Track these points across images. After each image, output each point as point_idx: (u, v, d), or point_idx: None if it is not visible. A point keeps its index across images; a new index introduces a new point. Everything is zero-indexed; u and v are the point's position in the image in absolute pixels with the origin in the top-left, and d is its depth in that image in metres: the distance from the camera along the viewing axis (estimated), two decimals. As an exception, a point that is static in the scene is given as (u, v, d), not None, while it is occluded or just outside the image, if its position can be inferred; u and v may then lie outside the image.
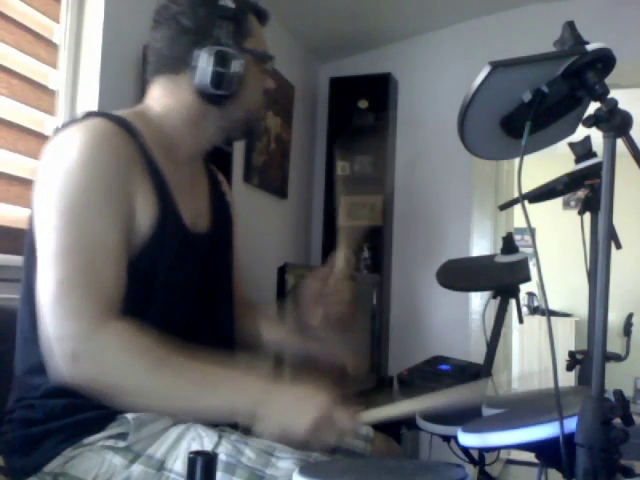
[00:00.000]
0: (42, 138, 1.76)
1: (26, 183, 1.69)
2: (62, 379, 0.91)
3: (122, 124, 1.05)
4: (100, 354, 0.91)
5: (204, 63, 1.07)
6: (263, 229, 3.03)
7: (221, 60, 1.08)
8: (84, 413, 0.97)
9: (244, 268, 1.39)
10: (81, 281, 0.93)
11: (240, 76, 1.10)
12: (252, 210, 2.89)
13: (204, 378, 0.94)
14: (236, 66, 1.09)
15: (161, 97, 1.14)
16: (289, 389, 0.95)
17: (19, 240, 1.59)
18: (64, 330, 0.90)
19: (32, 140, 1.74)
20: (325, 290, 1.22)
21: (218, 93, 1.09)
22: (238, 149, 2.75)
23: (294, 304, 1.25)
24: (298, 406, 0.91)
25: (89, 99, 1.90)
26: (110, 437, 0.96)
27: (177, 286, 1.07)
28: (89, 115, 1.06)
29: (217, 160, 1.35)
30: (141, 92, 1.18)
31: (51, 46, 1.84)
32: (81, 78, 1.92)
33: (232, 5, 1.11)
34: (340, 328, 1.23)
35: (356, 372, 1.27)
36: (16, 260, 1.56)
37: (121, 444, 0.94)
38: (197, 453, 0.71)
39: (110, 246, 0.96)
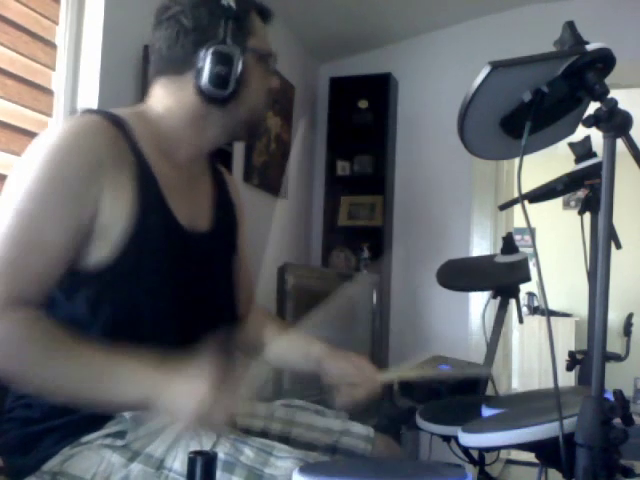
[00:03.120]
0: (38, 138, 1.77)
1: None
2: None
3: (115, 120, 1.05)
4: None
5: (205, 63, 1.06)
6: (263, 229, 3.02)
7: (222, 60, 1.07)
8: (82, 412, 0.96)
9: (250, 271, 1.37)
10: (3, 270, 0.93)
11: (242, 76, 1.09)
12: (252, 210, 2.89)
13: (95, 365, 0.93)
14: (237, 66, 1.08)
15: (163, 98, 1.13)
16: (176, 377, 0.93)
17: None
18: None
19: (27, 140, 1.74)
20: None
21: (220, 93, 1.08)
22: (238, 149, 2.75)
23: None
24: (180, 394, 0.90)
25: (89, 100, 1.90)
26: (108, 435, 0.96)
27: (170, 283, 1.06)
28: (85, 112, 1.07)
29: (217, 160, 1.34)
30: (141, 92, 1.18)
31: (50, 47, 1.84)
32: (81, 79, 1.92)
33: (233, 4, 1.10)
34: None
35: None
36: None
37: (119, 442, 0.95)
38: (197, 453, 0.71)
39: (49, 242, 0.96)
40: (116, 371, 0.93)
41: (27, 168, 0.98)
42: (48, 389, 0.93)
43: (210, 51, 1.06)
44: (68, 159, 0.98)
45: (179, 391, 0.90)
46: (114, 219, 1.00)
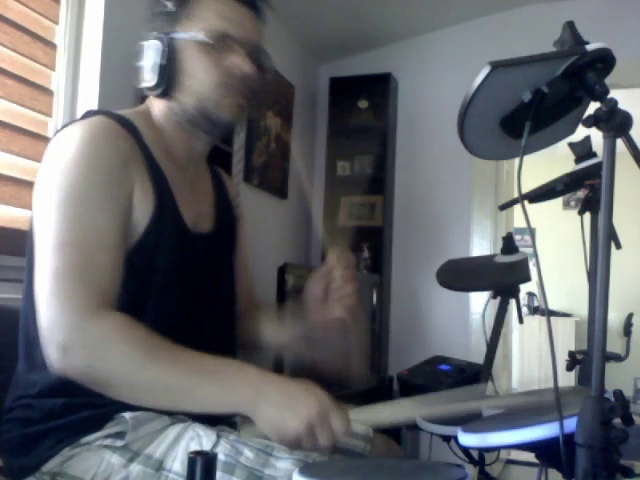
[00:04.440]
0: (37, 139, 1.76)
1: (21, 183, 1.69)
2: (56, 370, 0.90)
3: (122, 121, 1.05)
4: (92, 345, 0.90)
5: (136, 60, 1.09)
6: (263, 229, 3.03)
7: (143, 54, 1.09)
8: (82, 412, 0.96)
9: (250, 269, 1.38)
10: (76, 273, 0.92)
11: (175, 64, 1.07)
12: (252, 210, 2.89)
13: (201, 367, 0.92)
14: (158, 57, 1.07)
15: (156, 99, 1.14)
16: (286, 384, 0.92)
17: (14, 240, 1.59)
18: (57, 320, 0.90)
19: (27, 141, 1.74)
20: (330, 287, 1.19)
21: (151, 88, 1.09)
22: (238, 149, 2.75)
23: (299, 306, 1.22)
24: (292, 404, 0.88)
25: (89, 100, 1.90)
26: (108, 436, 0.96)
27: (175, 284, 1.06)
28: (90, 113, 1.07)
29: (217, 160, 1.34)
30: (141, 93, 1.18)
31: (50, 47, 1.84)
32: (81, 79, 1.92)
33: None
34: (348, 325, 1.21)
35: (357, 377, 1.24)
36: (12, 260, 1.56)
37: (119, 443, 0.94)
38: (197, 453, 0.71)
39: (107, 239, 0.96)
40: (221, 375, 0.92)
41: (57, 175, 0.98)
42: (143, 393, 0.91)
43: (137, 47, 1.09)
44: (99, 159, 0.99)
45: (289, 402, 0.88)
46: (141, 216, 1.01)
